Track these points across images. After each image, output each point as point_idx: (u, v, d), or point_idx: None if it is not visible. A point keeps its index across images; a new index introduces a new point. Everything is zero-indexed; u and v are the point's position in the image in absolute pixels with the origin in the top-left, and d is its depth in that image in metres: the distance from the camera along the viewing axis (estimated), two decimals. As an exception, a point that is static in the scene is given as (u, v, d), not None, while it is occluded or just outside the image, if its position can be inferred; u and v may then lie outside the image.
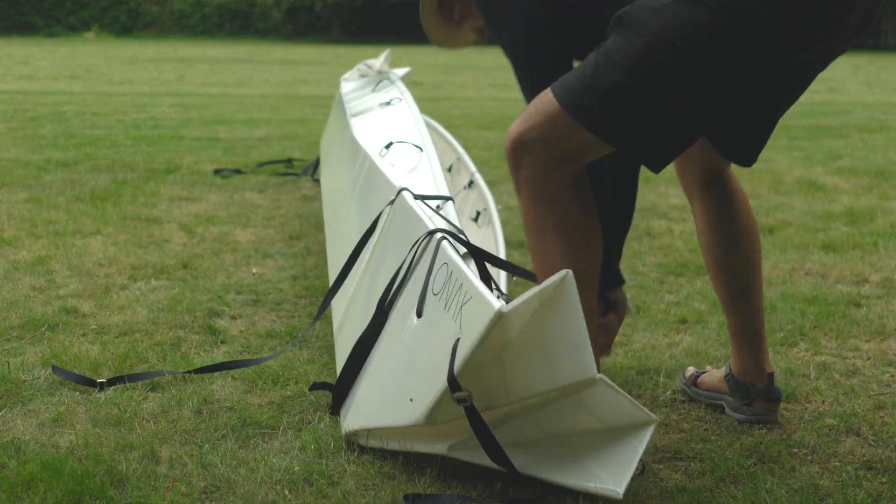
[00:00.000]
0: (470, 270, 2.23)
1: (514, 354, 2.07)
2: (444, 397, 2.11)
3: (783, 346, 3.33)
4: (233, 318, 3.57)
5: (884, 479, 2.37)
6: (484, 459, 2.20)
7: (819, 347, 3.32)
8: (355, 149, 3.97)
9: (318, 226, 5.07)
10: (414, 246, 2.57)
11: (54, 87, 14.80)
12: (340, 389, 2.66)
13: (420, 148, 3.48)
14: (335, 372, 2.99)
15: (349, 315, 3.02)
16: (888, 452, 2.51)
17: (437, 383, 2.12)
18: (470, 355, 2.03)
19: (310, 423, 2.63)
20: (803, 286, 4.06)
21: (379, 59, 6.80)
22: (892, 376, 3.08)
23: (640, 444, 2.09)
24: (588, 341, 1.99)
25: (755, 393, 2.71)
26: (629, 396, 2.08)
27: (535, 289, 1.98)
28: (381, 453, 2.44)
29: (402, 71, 6.44)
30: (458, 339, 2.09)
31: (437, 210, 2.77)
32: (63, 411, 2.67)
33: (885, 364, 3.18)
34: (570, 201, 2.41)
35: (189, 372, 2.94)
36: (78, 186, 6.07)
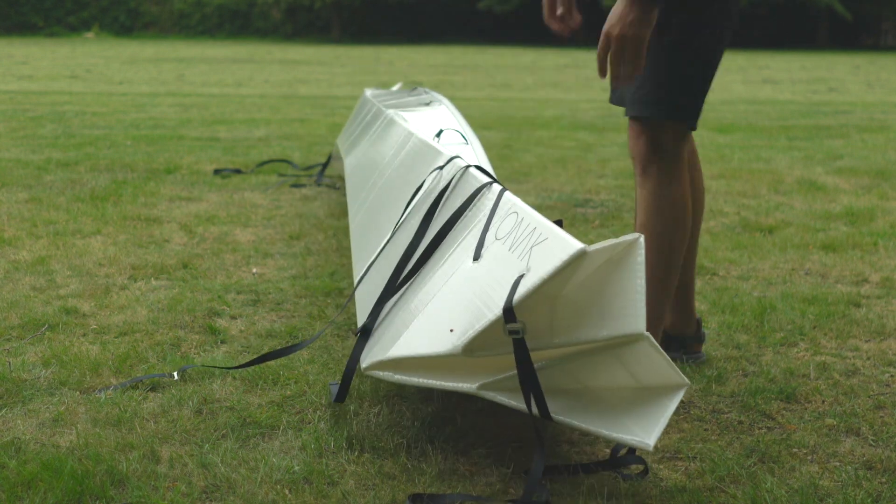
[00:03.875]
0: (543, 217, 2.27)
1: (569, 300, 2.08)
2: (492, 326, 2.10)
3: (783, 346, 3.33)
4: (233, 317, 3.57)
5: (883, 479, 2.37)
6: (513, 401, 2.19)
7: (819, 347, 3.33)
8: (398, 131, 3.97)
9: (318, 226, 5.08)
10: (472, 196, 2.62)
11: (54, 87, 14.80)
12: (372, 317, 2.68)
13: (466, 141, 3.52)
14: (340, 368, 2.99)
15: (378, 270, 3.01)
16: (888, 452, 2.51)
17: (487, 313, 2.12)
18: (537, 287, 2.05)
19: (310, 423, 2.63)
20: (803, 286, 4.06)
21: (393, 90, 6.99)
22: (892, 376, 3.08)
23: (671, 404, 2.12)
24: (644, 301, 2.03)
25: (690, 340, 3.12)
26: (668, 357, 2.09)
27: (609, 241, 2.03)
28: (381, 453, 2.44)
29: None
30: (521, 275, 2.11)
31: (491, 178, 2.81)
32: (63, 411, 2.67)
33: (885, 364, 3.18)
34: None
35: (235, 367, 2.97)
36: (78, 186, 6.08)
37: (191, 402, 2.74)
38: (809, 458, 2.49)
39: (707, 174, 6.98)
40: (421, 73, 19.91)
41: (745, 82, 18.09)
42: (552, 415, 2.17)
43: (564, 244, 2.07)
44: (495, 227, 2.41)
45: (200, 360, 3.10)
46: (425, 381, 2.34)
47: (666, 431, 2.63)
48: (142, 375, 2.95)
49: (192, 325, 3.46)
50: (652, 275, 2.89)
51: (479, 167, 2.91)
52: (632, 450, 2.36)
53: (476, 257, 2.38)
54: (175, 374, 2.93)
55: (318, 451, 2.45)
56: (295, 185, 6.26)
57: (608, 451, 2.47)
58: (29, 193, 5.80)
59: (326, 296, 3.82)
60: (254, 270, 4.21)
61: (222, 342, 3.30)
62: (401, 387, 2.85)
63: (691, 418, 2.75)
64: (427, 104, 4.85)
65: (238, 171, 6.79)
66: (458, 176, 2.90)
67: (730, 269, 4.35)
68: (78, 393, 2.82)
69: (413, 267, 2.67)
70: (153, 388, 2.86)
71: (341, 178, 6.27)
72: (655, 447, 2.50)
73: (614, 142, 9.00)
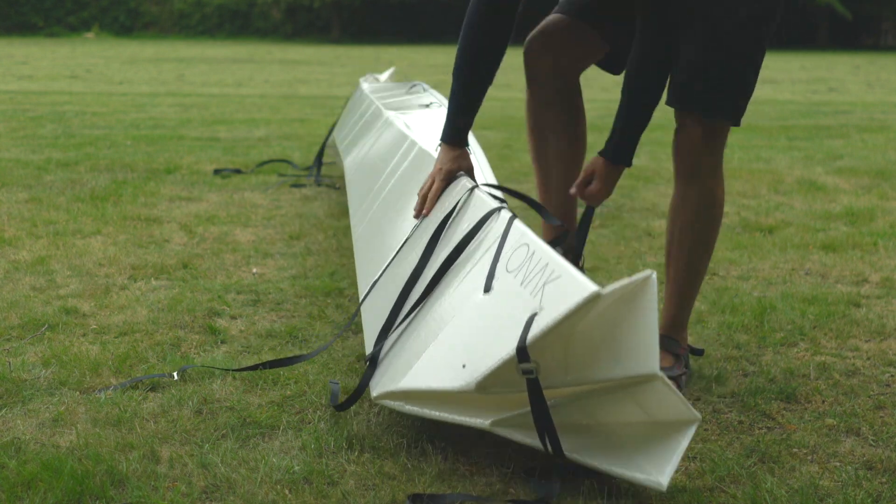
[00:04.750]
0: (555, 252, 2.27)
1: (582, 339, 2.08)
2: (505, 365, 2.10)
3: (783, 346, 3.33)
4: (233, 317, 3.57)
5: (884, 479, 2.37)
6: (527, 438, 2.20)
7: (819, 347, 3.33)
8: (400, 138, 3.95)
9: (318, 226, 5.08)
10: (481, 222, 2.61)
11: (54, 87, 14.80)
12: (380, 342, 2.67)
13: (470, 150, 3.50)
14: (340, 368, 3.00)
15: (384, 287, 3.01)
16: (888, 452, 2.51)
17: (500, 352, 2.12)
18: (550, 328, 2.04)
19: (310, 423, 2.63)
20: (803, 286, 4.06)
21: (384, 75, 6.90)
22: (892, 376, 3.08)
23: (684, 440, 2.12)
24: (657, 341, 2.03)
25: None
26: (680, 394, 2.09)
27: (622, 281, 2.02)
28: (381, 453, 2.44)
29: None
30: (534, 314, 2.10)
31: (496, 198, 2.81)
32: (63, 411, 2.67)
33: (885, 364, 3.18)
34: None
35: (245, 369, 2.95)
36: (78, 186, 6.08)
37: (191, 403, 2.74)
38: (809, 458, 2.49)
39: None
40: (421, 73, 19.88)
41: (745, 82, 18.09)
42: (566, 453, 2.19)
43: (578, 285, 2.06)
44: (506, 258, 2.41)
45: (200, 360, 3.10)
46: (437, 413, 2.35)
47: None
48: (142, 375, 2.95)
49: (192, 325, 3.46)
50: (696, 273, 3.01)
51: (486, 185, 2.92)
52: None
53: (487, 289, 2.38)
54: (175, 374, 2.93)
55: (318, 451, 2.45)
56: (295, 185, 6.26)
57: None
58: (29, 193, 5.80)
59: (326, 296, 3.82)
60: (254, 270, 4.21)
61: (222, 342, 3.30)
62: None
63: (691, 418, 2.75)
64: (427, 105, 4.83)
65: (238, 171, 6.79)
66: (464, 198, 2.89)
67: (730, 269, 4.35)
68: (78, 393, 2.82)
69: (421, 295, 2.65)
70: (153, 388, 2.86)
71: (341, 178, 6.27)
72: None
73: (614, 142, 8.98)
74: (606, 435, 2.19)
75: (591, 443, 2.20)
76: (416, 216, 2.89)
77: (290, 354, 3.17)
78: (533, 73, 3.29)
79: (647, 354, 2.02)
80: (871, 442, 2.59)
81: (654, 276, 2.03)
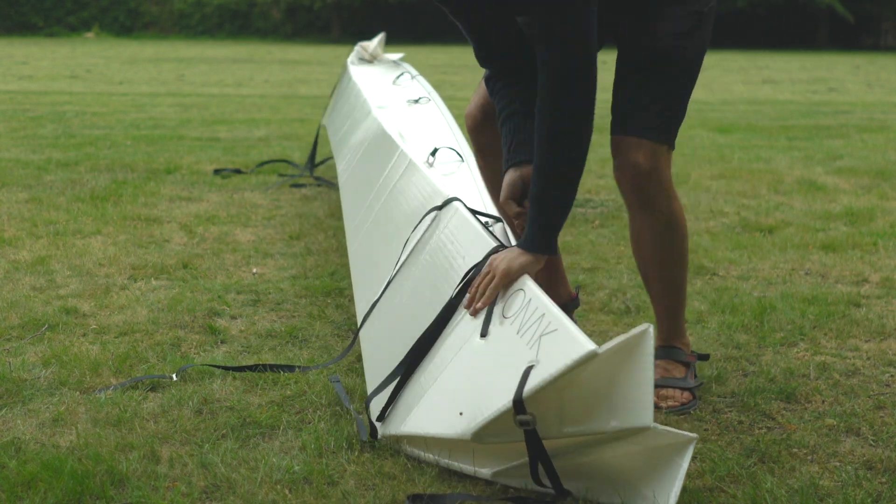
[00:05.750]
0: (551, 301, 2.27)
1: (578, 391, 2.09)
2: (502, 417, 2.11)
3: (783, 345, 3.33)
4: (233, 317, 3.57)
5: (884, 479, 2.37)
6: (529, 484, 2.22)
7: (819, 347, 3.33)
8: (392, 149, 3.89)
9: (319, 226, 5.08)
10: (479, 264, 2.57)
11: (54, 87, 14.80)
12: (391, 394, 2.59)
13: (461, 158, 3.46)
14: (340, 368, 2.99)
15: (382, 317, 3.00)
16: (888, 452, 2.51)
17: (496, 402, 2.13)
18: (546, 384, 2.05)
19: (310, 423, 2.63)
20: (803, 286, 4.06)
21: (373, 42, 6.87)
22: (892, 376, 3.08)
23: (683, 461, 2.12)
24: (652, 392, 2.03)
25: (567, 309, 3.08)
26: (673, 429, 2.09)
27: (620, 337, 2.02)
28: (380, 453, 2.44)
29: (395, 56, 6.53)
30: (531, 366, 2.11)
31: (487, 227, 2.75)
32: (63, 411, 2.67)
33: (885, 364, 3.18)
34: None
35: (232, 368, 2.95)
36: (78, 186, 6.08)
37: (191, 402, 2.74)
38: (809, 458, 2.49)
39: (707, 174, 6.99)
40: (421, 73, 19.86)
41: (745, 82, 18.09)
42: (571, 492, 2.20)
43: (575, 342, 2.07)
44: (502, 303, 2.41)
45: (200, 360, 3.10)
46: (439, 459, 2.36)
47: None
48: (142, 376, 2.95)
49: (192, 325, 3.46)
50: (678, 288, 2.97)
51: (478, 213, 2.84)
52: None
53: (483, 334, 2.38)
54: (174, 375, 2.93)
55: (318, 450, 2.45)
56: (295, 185, 6.26)
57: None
58: (29, 193, 5.81)
59: (326, 296, 3.82)
60: (254, 270, 4.21)
61: (222, 342, 3.30)
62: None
63: (691, 418, 2.75)
64: (416, 101, 4.77)
65: (238, 171, 6.79)
66: (456, 227, 2.84)
67: (730, 269, 4.35)
68: (78, 393, 2.82)
69: (421, 346, 2.58)
70: (153, 388, 2.86)
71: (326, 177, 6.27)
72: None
73: (614, 142, 8.98)
74: (607, 470, 2.20)
75: (595, 482, 2.21)
76: (467, 307, 2.52)
77: (290, 354, 3.17)
78: (479, 146, 3.16)
79: (642, 407, 2.03)
80: (871, 442, 2.59)
81: (651, 329, 2.02)
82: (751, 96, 14.92)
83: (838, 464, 2.45)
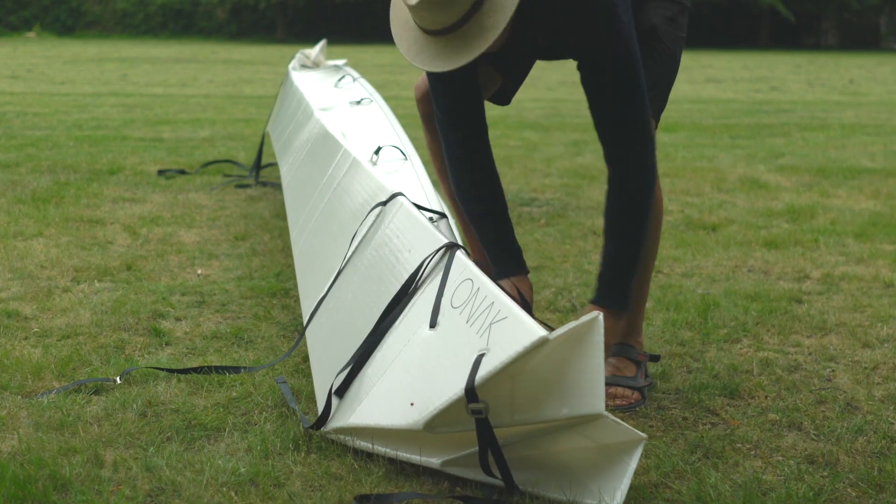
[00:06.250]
0: (499, 290, 2.27)
1: (529, 379, 2.09)
2: (454, 406, 2.11)
3: (726, 342, 3.37)
4: (177, 319, 3.54)
5: (825, 473, 2.40)
6: (479, 475, 2.22)
7: (761, 343, 3.36)
8: (335, 147, 3.88)
9: (264, 226, 5.05)
10: (428, 258, 2.57)
11: (-6, 88, 14.58)
12: (339, 389, 2.57)
13: (405, 156, 3.46)
14: (286, 369, 2.98)
15: (328, 313, 2.99)
16: (829, 446, 2.55)
17: (447, 391, 2.12)
18: (498, 371, 2.05)
19: (255, 425, 2.62)
20: (746, 283, 4.11)
21: (315, 50, 6.87)
22: (833, 371, 3.12)
23: (631, 461, 2.13)
24: (603, 379, 2.04)
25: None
26: (624, 424, 2.10)
27: (569, 325, 2.03)
28: (327, 453, 2.43)
29: (338, 62, 6.53)
30: (482, 354, 2.11)
31: (433, 221, 2.77)
32: (4, 416, 2.63)
33: (826, 359, 3.22)
34: None
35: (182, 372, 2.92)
36: (19, 188, 6.00)
37: (135, 405, 2.72)
38: (753, 452, 2.52)
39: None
40: (367, 73, 19.81)
41: (688, 81, 18.24)
42: (519, 486, 2.20)
43: (525, 329, 2.07)
44: (450, 293, 2.40)
45: (145, 363, 3.07)
46: (387, 450, 2.35)
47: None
48: (85, 379, 2.91)
49: (137, 328, 3.43)
50: (644, 279, 2.99)
51: (423, 209, 2.87)
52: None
53: (432, 324, 2.37)
54: (118, 378, 2.90)
55: (264, 452, 2.44)
56: (240, 186, 6.22)
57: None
58: (-31, 195, 5.72)
59: (272, 296, 3.81)
60: (199, 272, 4.18)
61: (167, 344, 3.28)
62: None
63: (636, 415, 2.77)
64: (358, 102, 4.77)
65: (182, 172, 6.73)
66: (401, 221, 2.86)
67: (674, 266, 4.39)
68: (19, 397, 2.78)
69: (369, 340, 2.59)
70: (97, 392, 2.83)
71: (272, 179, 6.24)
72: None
73: (559, 141, 9.03)
74: (556, 464, 2.21)
75: (543, 475, 2.22)
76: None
77: (235, 355, 3.15)
78: (426, 117, 3.18)
79: (593, 394, 2.04)
80: (813, 436, 2.62)
81: (601, 317, 2.04)
82: (694, 95, 15.05)
83: (781, 458, 2.48)
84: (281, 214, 5.33)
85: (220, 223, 5.15)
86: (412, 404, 2.23)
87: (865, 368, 3.14)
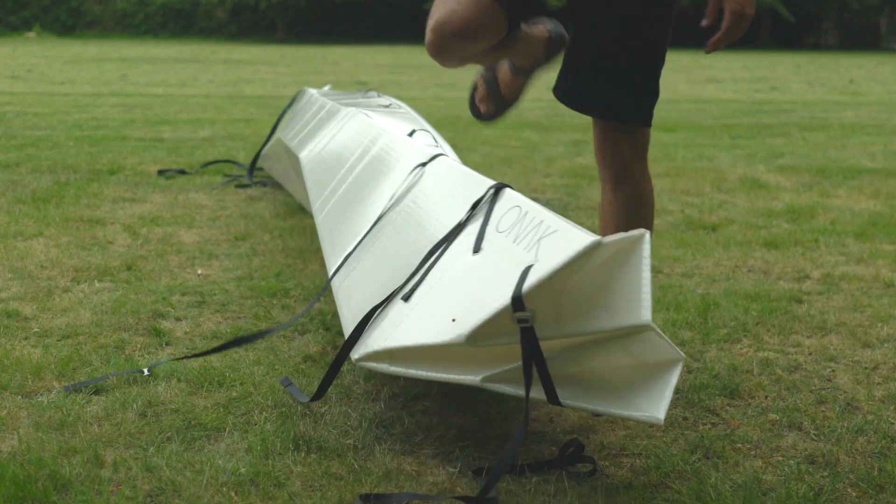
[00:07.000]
0: (550, 210, 2.25)
1: (575, 291, 2.07)
2: (500, 315, 2.07)
3: (726, 342, 3.37)
4: (178, 319, 3.54)
5: (825, 473, 2.40)
6: (519, 391, 2.15)
7: (762, 343, 3.36)
8: (366, 127, 3.84)
9: (264, 226, 5.05)
10: (482, 198, 2.55)
11: (-6, 88, 14.59)
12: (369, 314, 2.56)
13: (437, 143, 3.47)
14: (287, 369, 2.98)
15: (358, 261, 2.97)
16: (829, 446, 2.55)
17: (493, 303, 2.09)
18: (549, 276, 2.02)
19: (256, 425, 2.62)
20: (746, 283, 4.11)
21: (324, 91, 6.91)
22: (833, 371, 3.13)
23: (672, 378, 2.10)
24: (650, 293, 2.02)
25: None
26: (668, 339, 2.09)
27: (618, 235, 2.02)
28: (327, 454, 2.43)
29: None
30: (529, 266, 2.08)
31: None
32: (4, 416, 2.63)
33: (826, 359, 3.22)
34: None
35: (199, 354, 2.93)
36: (19, 188, 6.00)
37: (135, 405, 2.72)
38: (753, 452, 2.52)
39: (651, 173, 7.02)
40: (367, 73, 19.85)
41: (688, 81, 18.25)
42: (561, 401, 2.15)
43: (578, 236, 2.06)
44: (495, 221, 2.38)
45: (145, 363, 3.07)
46: (422, 372, 2.30)
47: (612, 428, 2.65)
48: (114, 372, 2.92)
49: (137, 328, 3.43)
50: None
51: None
52: (579, 448, 2.38)
53: (476, 250, 2.34)
54: (146, 370, 2.91)
55: (264, 452, 2.44)
56: (240, 186, 6.22)
57: (555, 449, 2.49)
58: (-31, 195, 5.72)
59: (272, 296, 3.81)
60: (199, 272, 4.18)
61: (167, 344, 3.28)
62: (348, 387, 2.85)
63: (636, 415, 2.77)
64: (386, 106, 4.81)
65: (182, 172, 6.74)
66: (443, 173, 2.85)
67: (674, 266, 4.39)
68: (19, 397, 2.78)
69: (416, 271, 2.57)
70: (96, 392, 2.83)
71: (272, 180, 6.25)
72: (601, 444, 2.52)
73: (560, 141, 9.04)
74: (597, 380, 2.17)
75: (584, 388, 2.17)
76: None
77: (235, 355, 3.14)
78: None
79: (640, 305, 2.01)
80: (813, 436, 2.62)
81: (649, 234, 2.02)
82: (694, 95, 15.06)
83: (781, 458, 2.48)
84: (281, 214, 5.33)
85: (220, 223, 5.15)
86: (454, 320, 2.18)
87: (866, 368, 3.14)
